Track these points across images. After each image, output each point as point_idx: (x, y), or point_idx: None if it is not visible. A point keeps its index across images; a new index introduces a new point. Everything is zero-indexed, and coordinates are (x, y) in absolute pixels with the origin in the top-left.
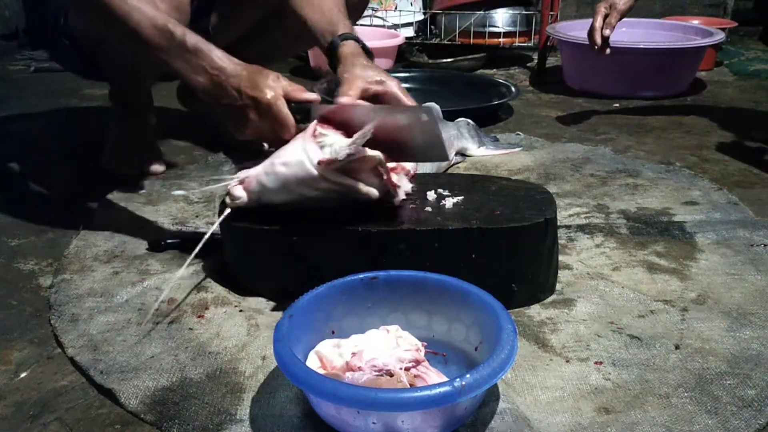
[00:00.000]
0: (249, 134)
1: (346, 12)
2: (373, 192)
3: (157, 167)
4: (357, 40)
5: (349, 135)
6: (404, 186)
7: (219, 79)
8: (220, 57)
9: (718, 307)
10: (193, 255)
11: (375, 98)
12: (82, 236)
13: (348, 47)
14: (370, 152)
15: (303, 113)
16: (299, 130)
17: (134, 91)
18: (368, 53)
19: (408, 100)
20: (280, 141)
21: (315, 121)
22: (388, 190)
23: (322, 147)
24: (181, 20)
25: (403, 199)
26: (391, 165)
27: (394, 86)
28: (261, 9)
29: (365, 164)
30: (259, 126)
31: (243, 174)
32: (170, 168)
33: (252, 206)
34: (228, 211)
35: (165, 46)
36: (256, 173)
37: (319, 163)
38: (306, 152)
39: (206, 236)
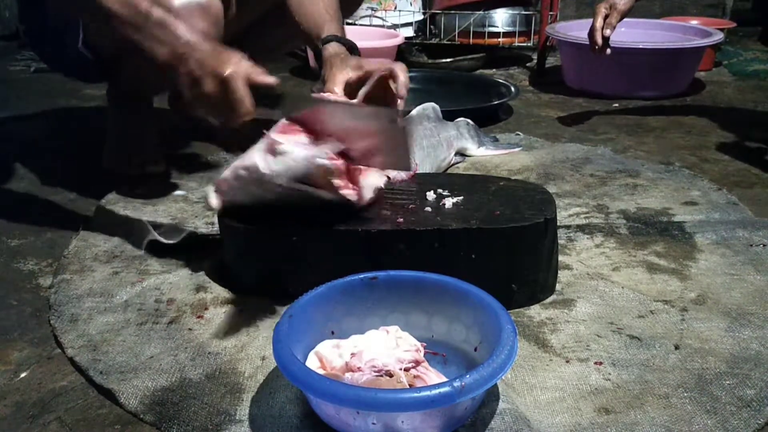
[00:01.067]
0: (202, 110)
1: (335, 12)
2: (331, 196)
3: (157, 167)
4: (340, 40)
5: (317, 136)
6: (373, 182)
7: (181, 52)
8: (185, 31)
9: (718, 307)
10: (167, 241)
11: (360, 84)
12: (82, 236)
13: (330, 49)
14: (320, 162)
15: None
16: (252, 116)
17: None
18: (352, 50)
19: (390, 65)
20: (231, 121)
21: (280, 122)
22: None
23: (276, 154)
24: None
25: (377, 195)
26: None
27: (373, 65)
28: (264, 4)
29: (318, 171)
30: (214, 102)
31: (218, 179)
32: (170, 168)
33: (227, 207)
34: (215, 213)
35: (130, 17)
36: (224, 177)
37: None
38: (263, 158)
39: (182, 235)
